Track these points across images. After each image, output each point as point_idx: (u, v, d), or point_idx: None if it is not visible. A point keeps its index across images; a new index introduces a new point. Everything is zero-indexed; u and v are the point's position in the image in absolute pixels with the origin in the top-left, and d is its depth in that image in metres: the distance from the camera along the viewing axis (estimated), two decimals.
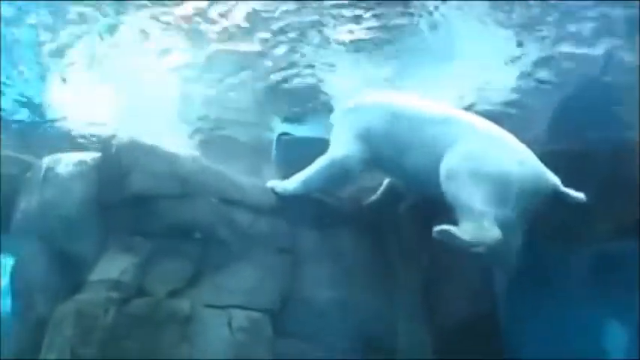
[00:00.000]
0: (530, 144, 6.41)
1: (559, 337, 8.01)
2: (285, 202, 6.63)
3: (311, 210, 6.76)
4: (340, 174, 6.62)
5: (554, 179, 6.22)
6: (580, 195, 6.19)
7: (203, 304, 6.02)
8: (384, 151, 6.51)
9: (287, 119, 8.04)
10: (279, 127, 7.84)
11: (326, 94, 8.11)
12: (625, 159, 7.47)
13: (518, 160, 6.12)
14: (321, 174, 6.61)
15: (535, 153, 6.31)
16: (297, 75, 8.00)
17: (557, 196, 6.19)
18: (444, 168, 6.10)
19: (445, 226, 5.88)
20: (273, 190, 6.70)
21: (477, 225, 5.89)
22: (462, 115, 6.43)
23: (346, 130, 6.73)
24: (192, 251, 6.19)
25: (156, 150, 6.39)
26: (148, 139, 6.46)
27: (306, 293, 6.51)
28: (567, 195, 6.19)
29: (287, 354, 6.23)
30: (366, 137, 6.57)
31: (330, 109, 7.75)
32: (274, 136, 8.12)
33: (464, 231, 5.89)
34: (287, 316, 6.35)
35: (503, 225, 5.95)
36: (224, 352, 5.95)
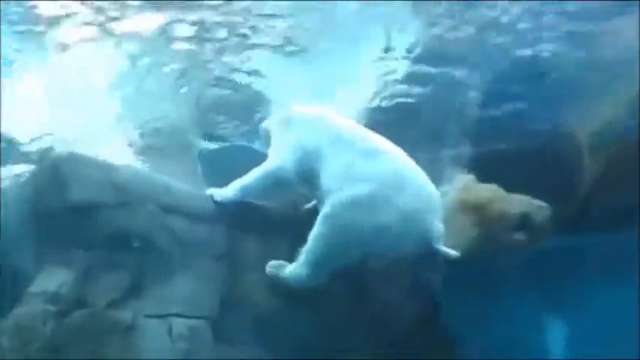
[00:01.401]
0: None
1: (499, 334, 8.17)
2: (224, 209, 6.68)
3: (249, 216, 6.83)
4: (275, 185, 6.73)
5: (435, 235, 6.29)
6: (453, 252, 6.30)
7: (144, 314, 6.03)
8: (313, 166, 6.57)
9: (206, 135, 8.07)
10: (201, 142, 7.86)
11: (254, 100, 8.16)
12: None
13: (406, 214, 6.18)
14: (257, 183, 6.71)
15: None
16: (221, 82, 8.07)
17: (431, 251, 6.32)
18: (328, 202, 6.30)
19: (276, 263, 6.47)
20: (212, 197, 6.75)
21: (304, 273, 6.34)
22: (386, 153, 6.45)
23: (283, 140, 6.83)
24: (131, 261, 6.18)
25: (93, 160, 6.36)
26: (84, 150, 6.42)
27: (245, 299, 6.58)
28: (441, 252, 6.30)
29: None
30: (301, 150, 6.64)
31: (253, 117, 7.81)
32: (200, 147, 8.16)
33: (291, 272, 6.41)
34: (227, 322, 6.40)
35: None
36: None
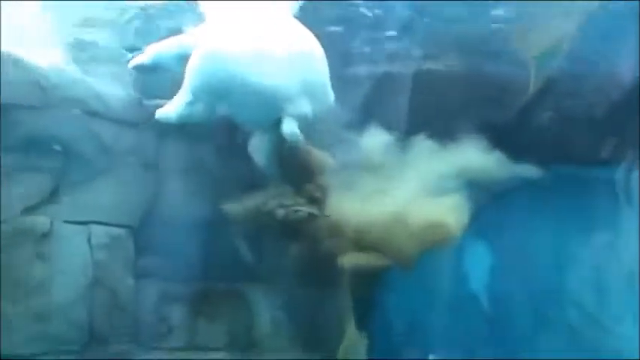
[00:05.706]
0: None
1: None
2: (152, 116, 6.42)
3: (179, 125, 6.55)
4: (185, 55, 6.52)
5: (289, 108, 6.20)
6: (296, 132, 6.17)
7: (62, 220, 5.87)
8: None
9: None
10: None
11: None
12: None
13: (269, 82, 6.08)
14: (170, 50, 6.68)
15: None
16: None
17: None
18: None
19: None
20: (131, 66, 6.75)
21: (181, 103, 6.23)
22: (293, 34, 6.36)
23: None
24: (51, 165, 5.96)
25: (19, 59, 6.01)
26: (10, 49, 6.05)
27: (169, 209, 6.44)
28: (285, 123, 6.19)
29: (147, 270, 6.23)
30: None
31: None
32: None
33: (171, 106, 6.31)
34: (148, 232, 6.28)
35: None
36: (83, 268, 5.87)
